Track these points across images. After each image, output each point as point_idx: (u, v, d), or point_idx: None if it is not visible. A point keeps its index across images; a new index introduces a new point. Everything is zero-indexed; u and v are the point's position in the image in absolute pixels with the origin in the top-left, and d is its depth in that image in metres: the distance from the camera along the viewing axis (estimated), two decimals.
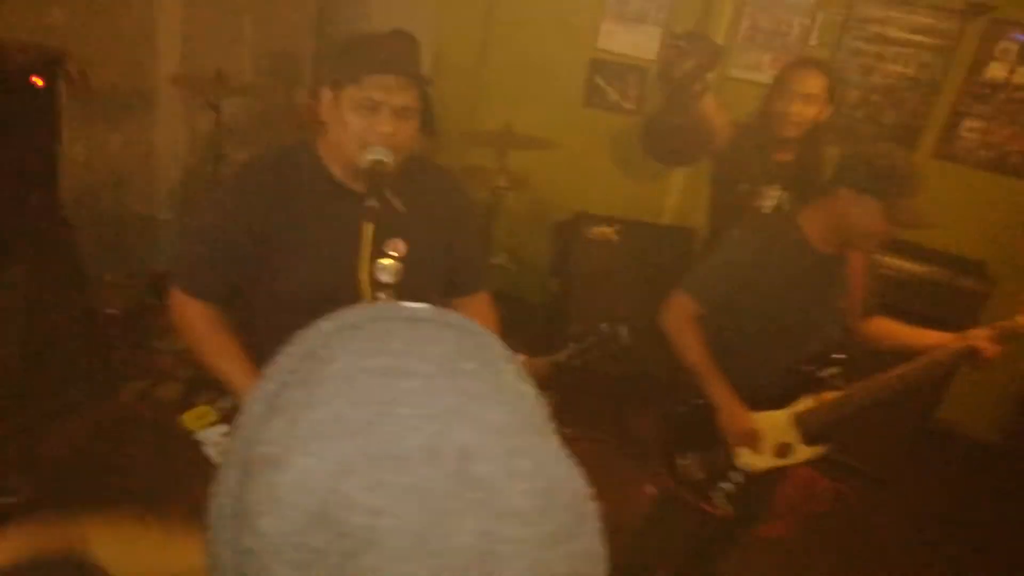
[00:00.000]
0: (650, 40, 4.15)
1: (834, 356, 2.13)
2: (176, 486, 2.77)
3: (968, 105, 3.86)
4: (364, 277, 1.44)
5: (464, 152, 4.15)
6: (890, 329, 2.24)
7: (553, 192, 4.24)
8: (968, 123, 3.89)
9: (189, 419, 1.77)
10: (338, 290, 1.47)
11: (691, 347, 2.14)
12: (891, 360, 2.12)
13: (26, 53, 2.66)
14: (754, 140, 2.98)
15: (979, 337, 2.00)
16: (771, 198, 3.02)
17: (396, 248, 1.63)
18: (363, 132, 1.50)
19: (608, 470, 3.43)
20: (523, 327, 4.25)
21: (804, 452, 2.20)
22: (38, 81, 2.73)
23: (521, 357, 1.63)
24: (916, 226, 1.95)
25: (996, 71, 3.77)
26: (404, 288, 1.64)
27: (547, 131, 3.88)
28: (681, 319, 2.16)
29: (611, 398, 3.79)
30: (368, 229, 1.44)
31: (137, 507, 2.65)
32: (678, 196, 4.39)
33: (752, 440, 2.13)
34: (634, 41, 4.17)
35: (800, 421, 2.16)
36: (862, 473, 3.29)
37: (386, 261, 1.62)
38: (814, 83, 2.80)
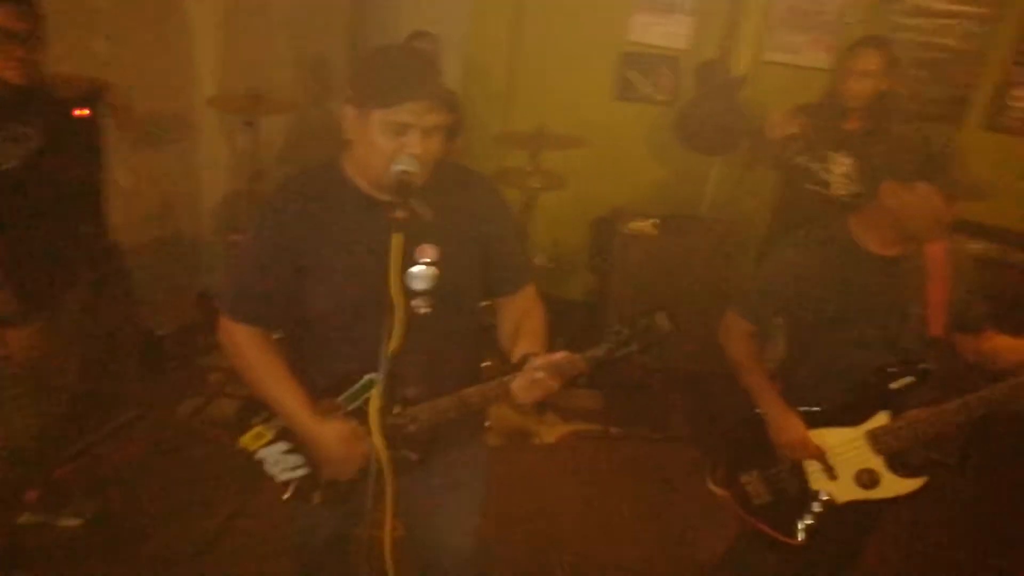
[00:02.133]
0: (681, 29, 4.10)
1: (910, 366, 1.97)
2: (234, 498, 2.86)
3: (1016, 74, 3.72)
4: (395, 287, 1.44)
5: (498, 154, 4.15)
6: (1008, 345, 2.01)
7: (589, 189, 4.22)
8: (1016, 92, 3.75)
9: (247, 440, 1.82)
10: (371, 303, 1.51)
11: (743, 364, 2.12)
12: (979, 371, 1.99)
13: (71, 86, 2.74)
14: (820, 116, 3.20)
15: None
16: (841, 164, 3.15)
17: (426, 254, 1.64)
18: (392, 153, 1.52)
19: (657, 469, 3.42)
20: (564, 325, 4.24)
21: (895, 484, 2.01)
22: (83, 112, 2.82)
23: (561, 353, 1.59)
24: (976, 197, 1.82)
25: None
26: (439, 293, 1.65)
27: (579, 127, 3.86)
28: (732, 334, 2.14)
29: (658, 395, 3.75)
30: (397, 240, 1.43)
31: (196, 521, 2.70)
32: (716, 186, 4.32)
33: (805, 450, 2.03)
34: (665, 31, 4.13)
35: (876, 440, 2.00)
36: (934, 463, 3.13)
37: (418, 268, 1.62)
38: (869, 60, 3.06)
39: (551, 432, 3.59)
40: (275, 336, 1.77)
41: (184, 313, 3.68)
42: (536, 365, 1.58)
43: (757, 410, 2.09)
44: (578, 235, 4.25)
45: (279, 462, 1.81)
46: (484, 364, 1.92)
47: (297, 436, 1.76)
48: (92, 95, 2.82)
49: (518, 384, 1.60)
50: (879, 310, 1.97)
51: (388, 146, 1.51)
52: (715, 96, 3.95)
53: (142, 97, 3.32)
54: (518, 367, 1.63)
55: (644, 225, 3.72)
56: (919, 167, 1.81)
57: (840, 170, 3.15)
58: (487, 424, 3.39)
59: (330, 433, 1.67)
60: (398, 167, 1.50)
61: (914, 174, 1.81)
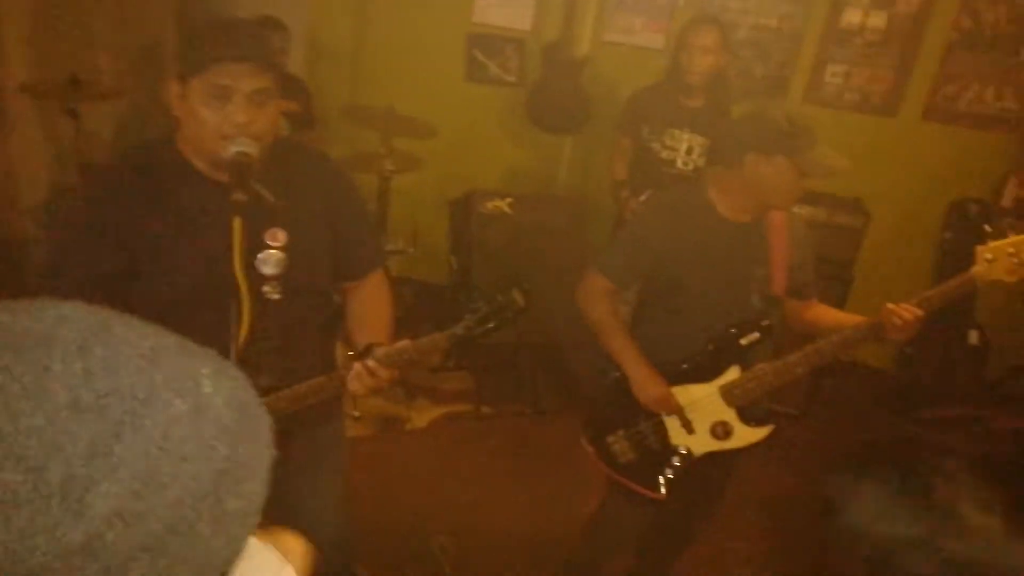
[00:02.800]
0: (525, 10, 4.16)
1: (756, 323, 2.09)
2: None
3: (830, 51, 4.05)
4: (239, 272, 1.40)
5: (350, 138, 4.06)
6: (824, 315, 2.20)
7: (445, 171, 4.22)
8: (831, 68, 4.08)
9: None
10: (216, 287, 1.45)
11: (602, 322, 2.18)
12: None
13: None
14: (661, 94, 3.38)
15: (891, 312, 1.95)
16: (683, 141, 3.33)
17: (276, 238, 1.58)
18: (218, 124, 1.43)
19: (529, 443, 3.49)
20: (430, 308, 4.24)
21: (746, 433, 2.15)
22: None
23: (405, 342, 1.61)
24: (829, 175, 1.96)
25: (852, 16, 3.98)
26: (289, 278, 1.61)
27: (431, 109, 3.84)
28: (592, 294, 2.20)
29: (525, 371, 3.83)
30: (237, 223, 1.39)
31: None
32: (568, 165, 4.44)
33: (668, 406, 2.12)
34: (509, 13, 4.17)
35: (728, 394, 2.11)
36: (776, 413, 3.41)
37: (267, 252, 1.57)
38: (707, 36, 3.22)
39: (422, 416, 3.58)
40: None
41: None
42: (377, 355, 1.58)
43: (618, 373, 2.17)
44: (437, 218, 4.24)
45: None
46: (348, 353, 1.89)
47: None
48: None
49: (353, 375, 1.59)
50: (730, 271, 2.09)
51: (212, 117, 1.43)
52: (560, 77, 4.05)
53: None
54: (363, 356, 1.61)
55: (500, 204, 3.77)
56: (782, 142, 1.91)
57: (683, 147, 3.33)
58: (356, 415, 3.38)
59: None
60: (233, 148, 1.43)
61: (776, 148, 1.92)
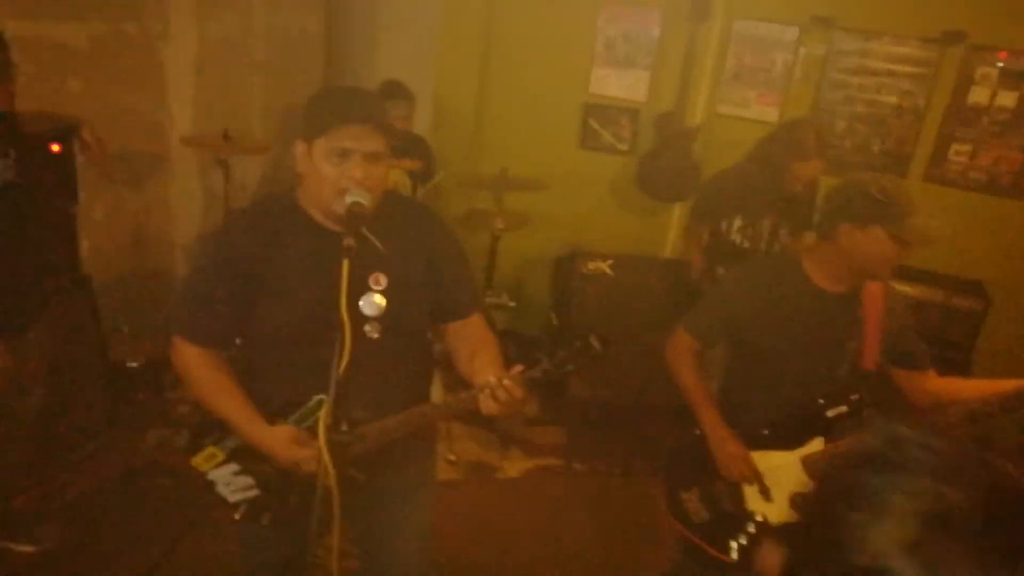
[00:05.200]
0: (639, 83, 4.31)
1: (845, 396, 2.05)
2: (199, 529, 2.89)
3: (954, 129, 3.95)
4: (344, 311, 1.52)
5: (464, 196, 4.29)
6: (951, 385, 2.09)
7: (552, 232, 4.37)
8: (956, 147, 3.98)
9: (199, 461, 1.85)
10: (322, 327, 1.59)
11: (685, 380, 2.21)
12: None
13: (44, 122, 2.85)
14: (750, 182, 3.20)
15: None
16: (766, 228, 3.24)
17: (378, 281, 1.73)
18: (337, 179, 1.62)
19: (615, 503, 3.48)
20: (527, 360, 4.34)
21: None
22: (55, 147, 2.92)
23: (518, 368, 1.67)
24: (927, 243, 1.91)
25: (978, 95, 3.88)
26: (389, 319, 1.74)
27: (544, 173, 4.01)
28: (677, 351, 2.23)
29: (619, 432, 3.84)
30: (346, 266, 1.52)
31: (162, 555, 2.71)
32: (676, 232, 4.49)
33: (743, 468, 2.10)
34: (624, 84, 4.33)
35: (810, 466, 2.06)
36: None
37: (370, 295, 1.72)
38: (814, 167, 3.04)
39: (514, 466, 3.65)
40: (227, 356, 1.82)
41: (154, 347, 3.72)
42: (506, 375, 1.64)
43: (699, 431, 2.18)
44: (541, 275, 4.38)
45: (230, 483, 1.84)
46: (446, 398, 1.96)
47: (248, 454, 1.80)
48: (65, 131, 2.92)
49: (486, 395, 1.65)
50: (820, 341, 2.07)
51: (332, 172, 1.61)
52: (671, 146, 4.14)
53: (116, 136, 3.43)
54: (482, 389, 1.69)
55: (602, 265, 3.87)
56: (877, 211, 1.90)
57: (767, 232, 3.27)
58: (452, 458, 3.50)
59: (277, 436, 1.73)
60: (349, 199, 1.60)
61: (870, 218, 1.91)
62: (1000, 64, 3.80)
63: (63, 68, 3.34)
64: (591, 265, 3.85)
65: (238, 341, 1.85)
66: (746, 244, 3.30)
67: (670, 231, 4.52)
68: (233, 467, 1.84)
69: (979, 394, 1.93)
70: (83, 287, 3.17)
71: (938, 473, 0.70)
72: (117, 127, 3.48)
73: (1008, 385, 1.87)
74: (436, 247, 1.85)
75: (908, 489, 0.70)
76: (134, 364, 3.63)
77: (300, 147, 1.68)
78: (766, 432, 2.13)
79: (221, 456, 1.83)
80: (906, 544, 0.67)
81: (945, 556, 0.65)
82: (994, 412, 1.85)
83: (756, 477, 2.12)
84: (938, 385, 2.11)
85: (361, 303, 1.71)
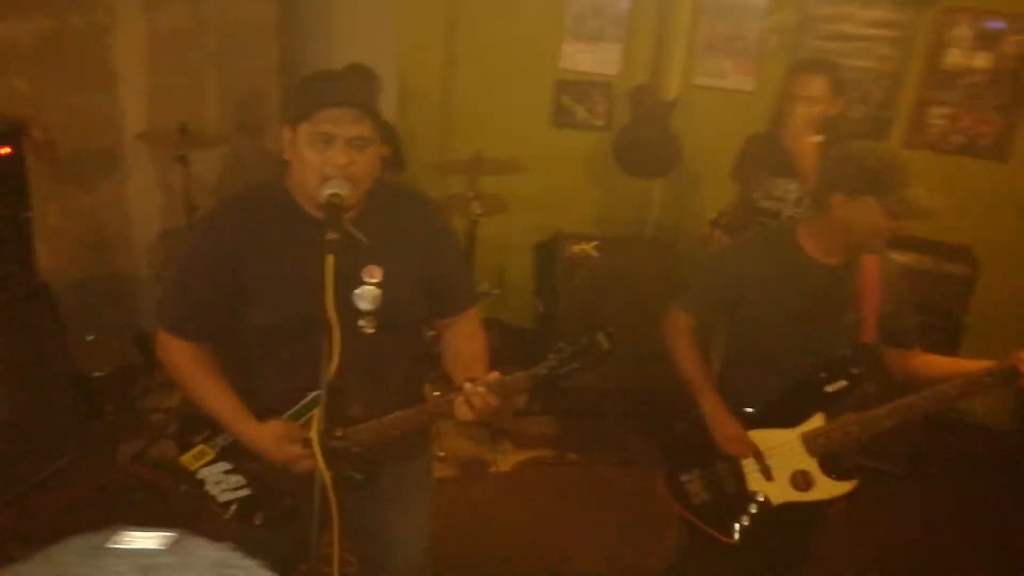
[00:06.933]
0: (611, 56, 4.19)
1: (844, 370, 2.01)
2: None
3: (932, 92, 3.90)
4: (330, 307, 1.46)
5: (438, 182, 4.16)
6: (934, 364, 2.06)
7: (531, 216, 4.25)
8: (935, 110, 3.93)
9: (188, 460, 1.79)
10: (309, 321, 1.51)
11: (682, 358, 2.16)
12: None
13: None
14: (768, 143, 3.10)
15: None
16: (791, 191, 3.08)
17: (373, 274, 1.65)
18: (320, 166, 1.53)
19: (613, 491, 3.41)
20: (513, 351, 4.24)
21: (828, 486, 2.03)
22: (4, 150, 2.73)
23: (494, 375, 1.62)
24: (922, 216, 1.88)
25: (954, 57, 3.83)
26: (383, 313, 1.66)
27: (518, 154, 3.90)
28: (673, 331, 2.18)
29: (612, 418, 3.76)
30: (330, 260, 1.45)
31: None
32: (658, 209, 4.41)
33: (742, 447, 2.06)
34: (596, 59, 4.22)
35: (811, 442, 2.02)
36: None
37: (364, 289, 1.64)
38: (815, 85, 2.88)
39: (506, 460, 3.56)
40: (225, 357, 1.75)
41: (121, 354, 3.55)
42: (480, 382, 1.60)
43: (698, 411, 2.12)
44: (522, 261, 4.27)
45: (220, 482, 1.78)
46: (434, 394, 1.93)
47: (239, 452, 1.73)
48: (14, 132, 2.75)
49: (460, 402, 1.61)
50: (817, 315, 2.03)
51: (315, 159, 1.53)
52: (648, 120, 4.04)
53: (68, 135, 3.24)
54: (462, 389, 1.64)
55: (586, 248, 3.76)
56: (870, 182, 1.86)
57: (792, 197, 3.11)
58: (442, 455, 3.40)
59: (268, 433, 1.66)
60: (328, 190, 1.52)
61: (863, 189, 1.86)
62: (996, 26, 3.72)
63: (7, 68, 3.15)
64: (575, 248, 3.74)
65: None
66: (764, 204, 3.14)
67: (651, 209, 4.43)
68: (224, 465, 1.78)
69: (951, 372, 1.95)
70: (42, 296, 2.99)
71: None
72: (68, 126, 3.29)
73: (978, 365, 1.89)
74: (433, 238, 1.77)
75: None
76: (100, 374, 3.45)
77: (286, 133, 1.60)
78: (765, 410, 2.09)
79: (211, 454, 1.78)
80: None
81: None
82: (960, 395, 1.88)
83: (756, 457, 2.07)
84: (919, 363, 2.09)
85: (354, 297, 1.63)
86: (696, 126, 4.08)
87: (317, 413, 1.50)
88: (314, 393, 1.61)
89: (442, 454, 3.45)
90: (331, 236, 1.47)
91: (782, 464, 2.06)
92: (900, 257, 3.58)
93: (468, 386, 1.59)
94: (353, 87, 1.59)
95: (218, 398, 1.69)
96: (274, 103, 4.38)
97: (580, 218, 4.32)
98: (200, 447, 1.77)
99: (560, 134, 4.37)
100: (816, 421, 2.03)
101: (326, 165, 1.52)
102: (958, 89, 3.86)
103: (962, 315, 3.58)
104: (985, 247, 3.75)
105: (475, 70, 4.33)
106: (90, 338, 3.51)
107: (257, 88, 4.37)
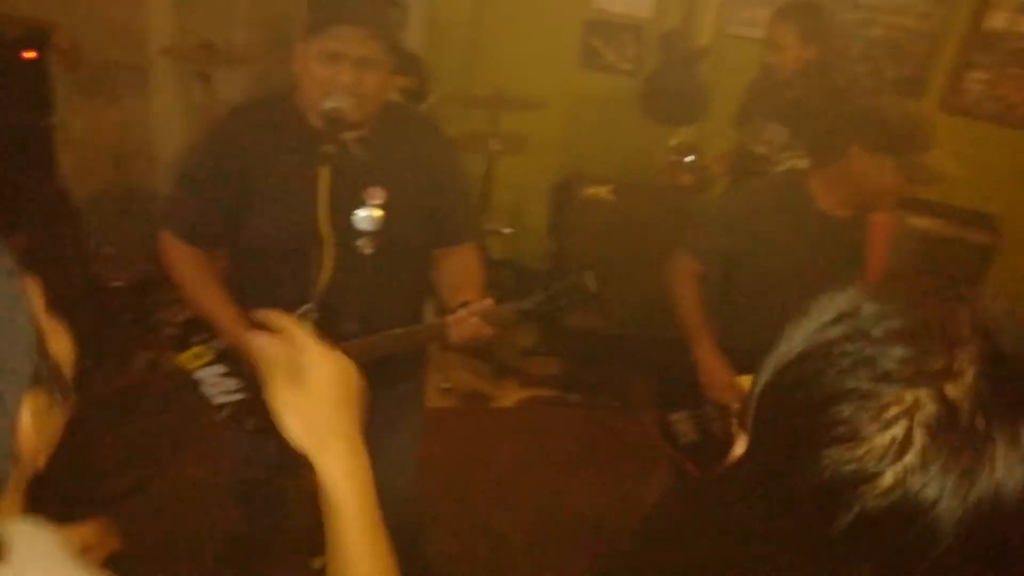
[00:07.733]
0: None
1: None
2: (184, 452, 2.85)
3: (972, 56, 3.78)
4: (323, 220, 1.47)
5: (459, 116, 4.12)
6: None
7: (551, 156, 4.22)
8: (974, 74, 3.81)
9: (186, 359, 1.83)
10: (306, 234, 1.54)
11: (683, 303, 2.16)
12: None
13: (15, 27, 2.66)
14: (756, 89, 3.22)
15: None
16: (779, 134, 3.11)
17: (375, 196, 1.66)
18: (325, 82, 1.53)
19: (613, 434, 3.46)
20: (524, 291, 4.26)
21: None
22: (29, 54, 2.74)
23: (488, 301, 1.64)
24: (934, 182, 1.86)
25: (996, 20, 3.70)
26: (383, 236, 1.68)
27: (542, 93, 3.85)
28: (678, 275, 2.17)
29: (618, 364, 3.79)
30: (324, 173, 1.46)
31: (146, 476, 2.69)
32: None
33: (730, 396, 2.07)
34: (629, 1, 4.11)
35: None
36: None
37: (366, 210, 1.65)
38: (782, 33, 2.99)
39: (509, 396, 3.61)
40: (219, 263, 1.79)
41: (139, 267, 3.61)
42: (471, 309, 1.62)
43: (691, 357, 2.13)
44: (539, 202, 4.25)
45: (216, 384, 1.82)
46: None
47: (235, 356, 1.76)
48: (39, 37, 2.74)
49: (453, 324, 1.62)
50: (819, 265, 2.01)
51: (322, 74, 1.53)
52: (677, 67, 3.96)
53: (94, 46, 3.23)
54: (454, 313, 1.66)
55: (601, 191, 3.74)
56: (891, 142, 1.82)
57: (779, 141, 3.13)
58: (446, 386, 3.45)
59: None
60: (329, 104, 1.52)
61: (882, 146, 1.83)
62: None
63: None
64: (590, 190, 3.71)
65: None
66: (759, 149, 3.17)
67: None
68: (220, 368, 1.81)
69: None
70: (63, 202, 3.04)
71: None
72: (92, 36, 3.28)
73: None
74: (440, 166, 1.77)
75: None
76: (117, 284, 3.52)
77: (300, 48, 1.60)
78: (758, 355, 2.08)
79: (208, 356, 1.81)
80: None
81: None
82: None
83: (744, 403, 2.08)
84: None
85: (355, 217, 1.64)
86: (727, 76, 3.99)
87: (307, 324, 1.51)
88: (306, 306, 1.63)
89: (447, 385, 3.51)
90: (326, 148, 1.48)
91: None
92: (918, 221, 3.54)
93: (463, 311, 1.61)
94: (367, 7, 1.57)
95: (215, 302, 1.73)
96: (301, 26, 4.33)
97: (600, 162, 4.27)
98: (197, 348, 1.80)
99: (587, 76, 4.29)
100: None
101: (331, 82, 1.53)
102: (1000, 54, 3.73)
103: (978, 283, 3.53)
104: (1010, 218, 3.68)
105: (506, 4, 4.25)
106: (108, 249, 3.57)
107: (288, 9, 4.32)
